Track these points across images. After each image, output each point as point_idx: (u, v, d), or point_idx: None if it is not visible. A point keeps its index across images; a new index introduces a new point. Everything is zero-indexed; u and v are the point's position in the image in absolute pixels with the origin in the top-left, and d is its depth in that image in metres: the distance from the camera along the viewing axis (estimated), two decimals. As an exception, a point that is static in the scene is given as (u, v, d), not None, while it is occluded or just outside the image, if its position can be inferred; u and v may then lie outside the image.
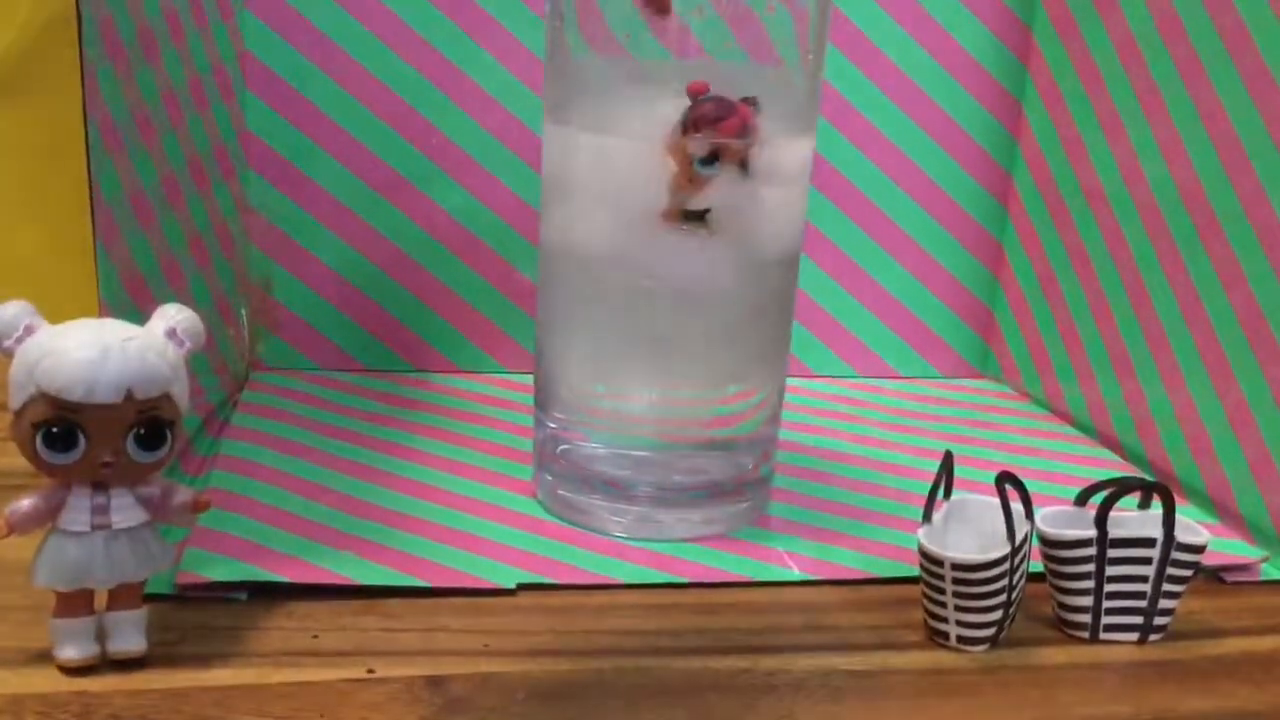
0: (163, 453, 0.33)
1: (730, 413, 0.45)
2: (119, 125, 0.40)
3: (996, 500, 0.38)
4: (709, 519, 0.45)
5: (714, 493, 0.46)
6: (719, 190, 0.41)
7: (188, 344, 0.34)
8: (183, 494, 0.35)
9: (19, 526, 0.33)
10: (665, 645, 0.38)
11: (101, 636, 0.34)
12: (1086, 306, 0.60)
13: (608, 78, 0.42)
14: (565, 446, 0.46)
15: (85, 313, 0.33)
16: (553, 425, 0.46)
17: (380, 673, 0.35)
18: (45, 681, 0.33)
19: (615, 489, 0.45)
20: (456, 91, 0.60)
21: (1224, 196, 0.50)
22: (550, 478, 0.46)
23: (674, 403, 0.45)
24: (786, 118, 0.43)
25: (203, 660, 0.35)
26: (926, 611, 0.39)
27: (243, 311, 0.59)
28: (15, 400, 0.32)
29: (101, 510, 0.33)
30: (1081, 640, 0.40)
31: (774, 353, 0.46)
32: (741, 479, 0.46)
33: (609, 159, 0.42)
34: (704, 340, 0.44)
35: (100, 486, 0.33)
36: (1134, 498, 0.40)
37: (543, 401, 0.47)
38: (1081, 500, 0.40)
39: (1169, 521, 0.39)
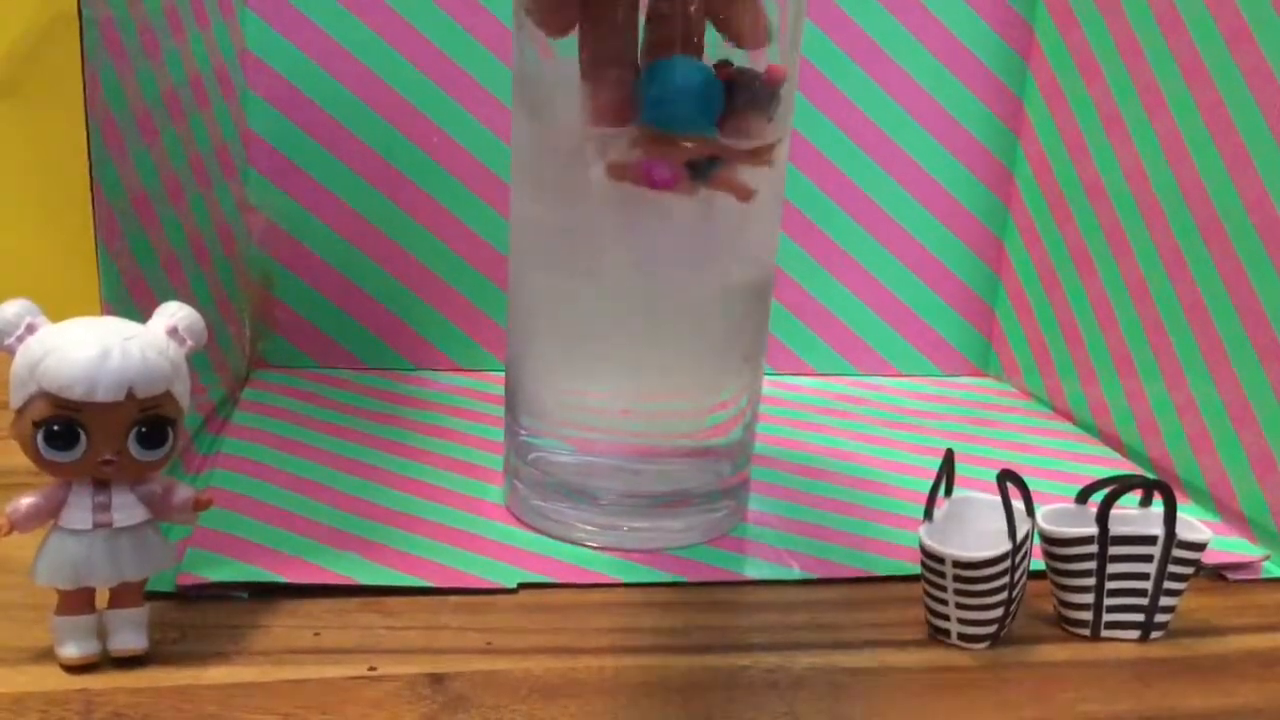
0: (164, 451, 0.33)
1: (706, 421, 0.45)
2: (120, 125, 0.40)
3: (998, 498, 0.38)
4: (683, 527, 0.45)
5: (688, 501, 0.45)
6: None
7: (189, 342, 0.34)
8: (184, 492, 0.35)
9: (20, 525, 0.33)
10: (666, 643, 0.38)
11: (103, 634, 0.34)
12: (1088, 304, 0.60)
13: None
14: (536, 454, 0.46)
15: (87, 311, 0.33)
16: (523, 433, 0.46)
17: (382, 670, 0.35)
18: (47, 679, 0.33)
19: (586, 497, 0.44)
20: (458, 90, 0.60)
21: (1225, 193, 0.50)
22: (521, 485, 0.46)
23: (646, 411, 0.44)
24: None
25: (204, 658, 0.35)
26: (928, 609, 0.39)
27: (244, 310, 0.59)
28: (16, 398, 0.32)
29: (103, 509, 0.33)
30: (1083, 638, 0.40)
31: (748, 361, 0.45)
32: (717, 487, 0.46)
33: (585, 159, 0.42)
34: (676, 348, 0.44)
35: (101, 485, 0.33)
36: (1135, 495, 0.40)
37: (512, 409, 0.46)
38: (1083, 498, 0.40)
39: (1170, 519, 0.39)
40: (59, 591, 0.33)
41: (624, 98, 0.39)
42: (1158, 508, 0.39)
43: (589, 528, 0.44)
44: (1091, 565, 0.39)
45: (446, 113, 0.60)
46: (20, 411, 0.32)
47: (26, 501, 0.33)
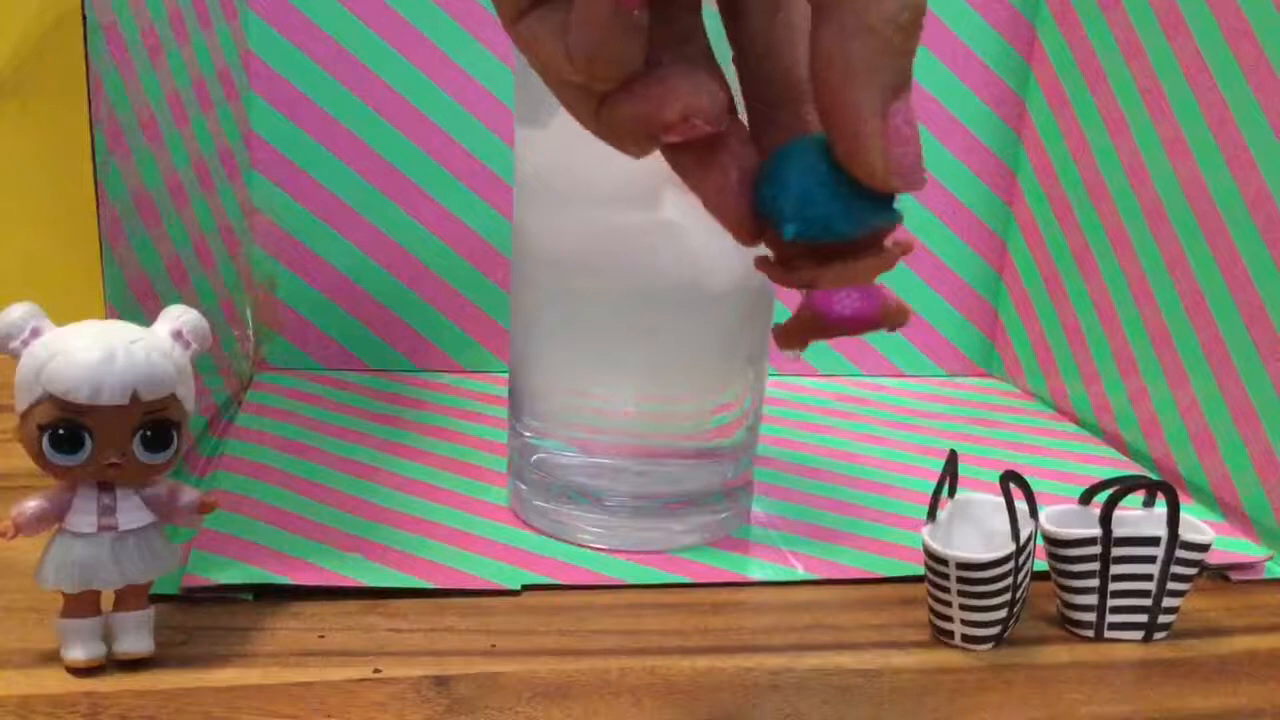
0: (169, 454, 0.33)
1: (709, 423, 0.44)
2: (124, 128, 0.41)
3: (1001, 499, 0.38)
4: (687, 528, 0.45)
5: (692, 502, 0.45)
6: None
7: (193, 345, 0.34)
8: (189, 495, 0.35)
9: (26, 528, 0.33)
10: (670, 645, 0.38)
11: (108, 637, 0.34)
12: (1090, 304, 0.60)
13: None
14: (539, 455, 0.45)
15: (92, 314, 0.33)
16: (527, 434, 0.46)
17: (386, 672, 0.35)
18: (53, 682, 0.33)
19: (589, 498, 0.44)
20: (461, 91, 0.60)
21: (1227, 192, 0.50)
22: (524, 487, 0.46)
23: (650, 413, 0.44)
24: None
25: (209, 660, 0.35)
26: (931, 610, 0.39)
27: (247, 312, 0.60)
28: (22, 402, 0.32)
29: (108, 511, 0.33)
30: (1086, 639, 0.40)
31: (752, 363, 0.45)
32: (721, 488, 0.46)
33: (589, 161, 0.42)
34: (680, 350, 0.43)
35: (106, 488, 0.33)
36: (1138, 496, 0.40)
37: (516, 410, 0.46)
38: (1086, 499, 0.40)
39: (1173, 520, 0.39)
40: (64, 594, 0.33)
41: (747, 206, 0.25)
42: (1161, 508, 0.39)
43: (593, 529, 0.44)
44: (1095, 566, 0.39)
45: (449, 114, 0.60)
46: (25, 415, 0.32)
47: (32, 505, 0.33)
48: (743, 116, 0.25)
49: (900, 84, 0.22)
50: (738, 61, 0.25)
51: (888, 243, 0.25)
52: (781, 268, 0.25)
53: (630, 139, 0.24)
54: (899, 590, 0.43)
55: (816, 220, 0.23)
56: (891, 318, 0.25)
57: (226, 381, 0.55)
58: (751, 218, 0.24)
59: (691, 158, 0.25)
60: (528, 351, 0.45)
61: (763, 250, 0.25)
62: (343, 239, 0.61)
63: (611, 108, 0.24)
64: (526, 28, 0.24)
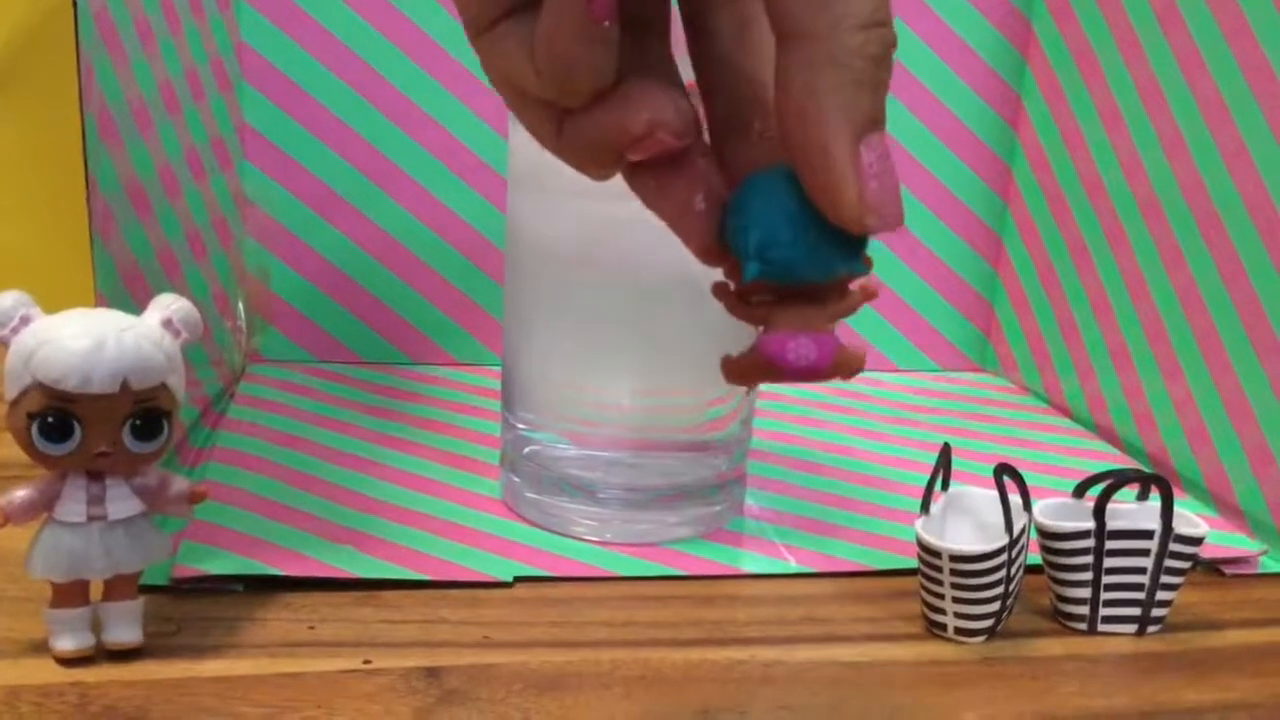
0: (159, 443, 0.33)
1: (704, 416, 0.44)
2: (116, 117, 0.40)
3: (994, 492, 0.38)
4: (680, 521, 0.45)
5: (686, 495, 0.45)
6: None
7: (184, 334, 0.34)
8: (179, 485, 0.35)
9: (14, 517, 0.33)
10: (663, 637, 0.38)
11: (97, 627, 0.34)
12: (1085, 299, 0.60)
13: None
14: (532, 448, 0.45)
15: (82, 303, 0.33)
16: (520, 426, 0.46)
17: (377, 664, 0.35)
18: (41, 672, 0.33)
19: (582, 491, 0.44)
20: (455, 83, 0.60)
21: (1223, 189, 0.50)
22: (517, 479, 0.46)
23: (644, 405, 0.44)
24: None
25: (199, 651, 0.35)
26: (924, 603, 0.39)
27: (240, 304, 0.59)
28: (11, 390, 0.32)
29: (97, 501, 0.33)
30: (1079, 632, 0.40)
31: None
32: (715, 481, 0.45)
33: None
34: (675, 342, 0.43)
35: (96, 477, 0.33)
36: (1132, 490, 0.40)
37: (509, 402, 0.46)
38: (1079, 492, 0.40)
39: (1167, 514, 0.39)
40: (53, 584, 0.33)
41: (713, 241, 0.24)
42: (1155, 502, 0.39)
43: (586, 521, 0.44)
44: (1088, 559, 0.39)
45: (442, 105, 0.60)
46: (14, 403, 0.32)
47: (21, 494, 0.33)
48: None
49: (873, 118, 0.21)
50: (702, 82, 0.24)
51: (854, 286, 0.23)
52: (738, 299, 0.24)
53: (593, 157, 0.23)
54: (892, 583, 0.43)
55: (780, 262, 0.22)
56: (843, 368, 0.23)
57: (219, 373, 0.55)
58: (715, 243, 0.23)
59: (654, 177, 0.23)
60: (521, 344, 0.45)
61: (720, 274, 0.25)
62: (335, 230, 0.61)
63: (575, 124, 0.23)
64: (492, 41, 0.23)
